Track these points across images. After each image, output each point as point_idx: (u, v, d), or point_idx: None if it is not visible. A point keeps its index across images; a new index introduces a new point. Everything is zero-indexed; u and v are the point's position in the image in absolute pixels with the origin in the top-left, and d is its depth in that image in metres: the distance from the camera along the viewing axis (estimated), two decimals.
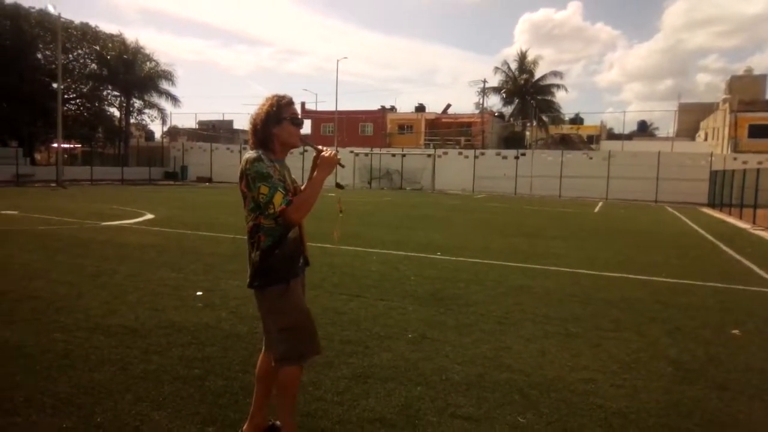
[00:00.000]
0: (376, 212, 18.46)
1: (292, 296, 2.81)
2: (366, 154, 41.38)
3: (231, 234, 11.68)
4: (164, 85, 45.69)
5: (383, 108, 58.48)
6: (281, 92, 2.86)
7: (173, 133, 54.35)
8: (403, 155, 40.88)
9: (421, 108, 57.62)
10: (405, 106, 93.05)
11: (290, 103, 2.85)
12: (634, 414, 3.56)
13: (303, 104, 57.51)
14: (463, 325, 5.44)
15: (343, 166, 2.92)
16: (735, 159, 31.63)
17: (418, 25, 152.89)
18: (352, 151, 40.24)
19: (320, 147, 2.87)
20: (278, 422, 3.14)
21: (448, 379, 4.05)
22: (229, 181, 41.89)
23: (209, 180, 42.77)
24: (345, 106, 67.89)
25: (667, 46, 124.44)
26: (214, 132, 57.25)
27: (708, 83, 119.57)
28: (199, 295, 6.24)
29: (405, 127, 54.27)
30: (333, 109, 48.65)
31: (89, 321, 5.14)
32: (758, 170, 19.05)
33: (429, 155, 40.37)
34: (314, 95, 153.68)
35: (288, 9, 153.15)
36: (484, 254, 10.00)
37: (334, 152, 2.84)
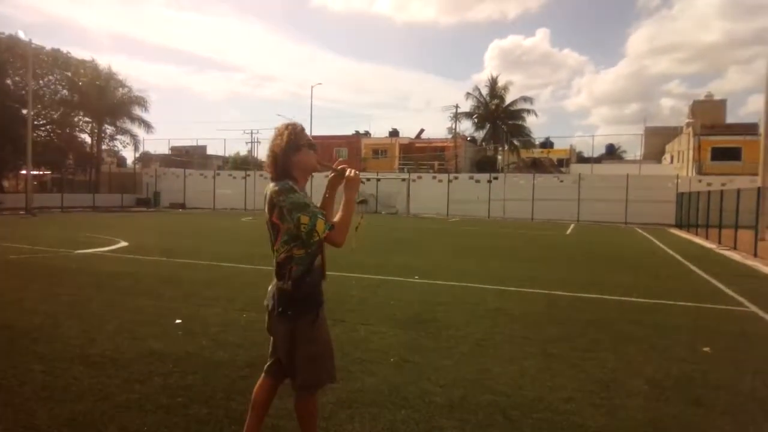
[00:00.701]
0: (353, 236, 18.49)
1: (322, 325, 2.88)
2: None
3: (207, 261, 11.61)
4: (137, 111, 45.36)
5: (357, 133, 58.94)
6: (294, 120, 2.99)
7: (146, 159, 53.85)
8: (378, 179, 41.10)
9: (395, 133, 58.19)
10: (379, 131, 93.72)
11: (303, 129, 2.94)
12: None
13: None
14: (443, 348, 5.51)
15: (363, 183, 3.00)
16: (700, 181, 32.48)
17: (389, 51, 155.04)
18: (326, 176, 40.28)
19: (340, 167, 2.93)
20: None
21: (432, 402, 4.10)
22: (202, 207, 41.61)
23: (182, 206, 42.34)
24: (319, 131, 68.25)
25: (632, 71, 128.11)
26: (188, 158, 56.86)
27: (672, 107, 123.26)
28: (179, 323, 6.20)
29: (379, 151, 54.64)
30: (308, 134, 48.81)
31: (68, 351, 5.08)
32: (722, 192, 19.64)
33: (403, 179, 40.65)
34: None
35: (260, 35, 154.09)
36: (461, 277, 10.11)
37: (356, 171, 2.92)
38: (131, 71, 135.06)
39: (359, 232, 3.00)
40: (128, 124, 45.48)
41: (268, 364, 3.03)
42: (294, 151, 2.83)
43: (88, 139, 46.21)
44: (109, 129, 45.56)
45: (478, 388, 4.39)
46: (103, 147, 46.74)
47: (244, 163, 59.00)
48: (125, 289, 8.23)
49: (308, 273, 2.80)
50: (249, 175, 43.97)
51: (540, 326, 6.54)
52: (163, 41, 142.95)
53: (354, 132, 59.07)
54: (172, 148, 59.61)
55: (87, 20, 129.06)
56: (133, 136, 46.32)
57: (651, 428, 3.74)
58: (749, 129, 40.16)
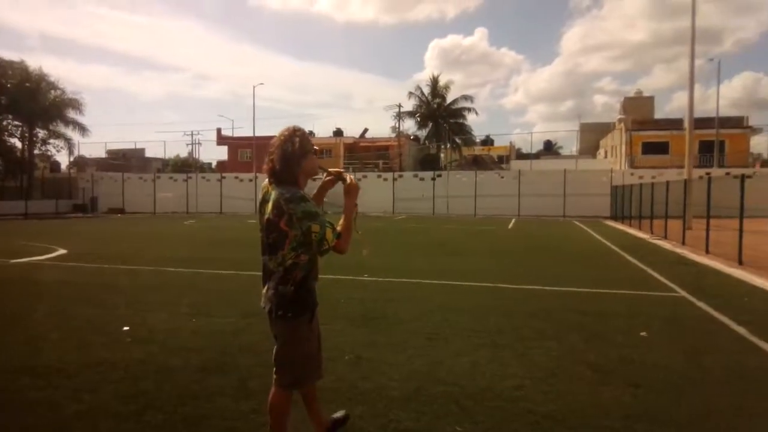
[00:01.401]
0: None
1: (315, 326, 2.98)
2: None
3: (150, 266, 11.34)
4: (71, 113, 43.49)
5: None
6: (296, 124, 2.98)
7: (81, 163, 51.76)
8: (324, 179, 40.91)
9: (339, 132, 58.11)
10: (323, 130, 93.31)
11: (307, 134, 2.96)
12: (561, 416, 3.85)
13: (219, 130, 56.53)
14: (395, 344, 5.62)
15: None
16: (632, 174, 33.91)
17: (330, 51, 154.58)
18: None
19: (339, 173, 3.03)
20: (337, 414, 3.45)
21: (388, 396, 4.19)
22: (143, 211, 40.39)
23: (122, 211, 40.96)
24: (262, 131, 67.21)
25: (566, 69, 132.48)
26: (125, 161, 55.03)
27: (604, 104, 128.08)
28: (126, 329, 6.07)
29: (324, 151, 54.39)
30: (250, 134, 48.19)
31: (10, 363, 4.91)
32: (652, 184, 20.58)
33: None
34: (230, 121, 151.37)
35: (197, 34, 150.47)
36: (409, 274, 10.27)
37: (354, 178, 3.00)
38: (62, 73, 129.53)
39: (365, 238, 3.11)
40: (62, 128, 43.58)
41: None
42: (303, 157, 2.88)
43: (18, 144, 43.99)
44: (41, 133, 43.53)
45: (432, 381, 4.52)
46: (35, 152, 44.66)
47: (185, 165, 57.63)
48: (67, 297, 7.96)
49: (308, 277, 2.89)
50: (191, 178, 43.01)
51: (487, 318, 6.74)
52: (95, 41, 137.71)
53: None
54: (109, 152, 57.63)
55: (14, 20, 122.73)
56: (68, 140, 44.46)
57: (595, 411, 3.96)
58: (675, 124, 42.26)
